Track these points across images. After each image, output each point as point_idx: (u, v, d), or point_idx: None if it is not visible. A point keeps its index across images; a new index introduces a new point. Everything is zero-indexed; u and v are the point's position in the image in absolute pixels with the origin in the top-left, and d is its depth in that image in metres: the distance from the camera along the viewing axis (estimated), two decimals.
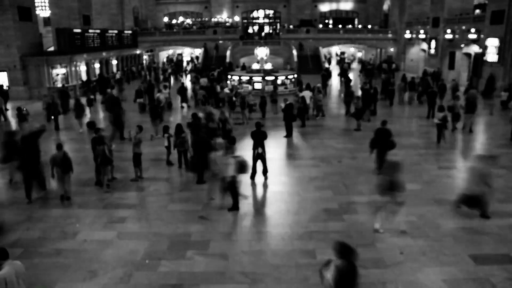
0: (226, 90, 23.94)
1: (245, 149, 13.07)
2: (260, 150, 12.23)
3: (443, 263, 7.82)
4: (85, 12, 36.10)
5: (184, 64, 48.81)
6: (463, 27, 32.72)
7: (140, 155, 12.41)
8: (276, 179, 12.47)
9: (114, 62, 38.60)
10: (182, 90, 23.72)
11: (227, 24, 53.46)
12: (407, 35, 44.08)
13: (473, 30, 31.04)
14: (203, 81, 25.52)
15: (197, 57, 48.68)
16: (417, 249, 8.31)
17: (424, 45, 40.85)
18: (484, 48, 29.13)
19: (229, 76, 27.66)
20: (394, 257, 8.06)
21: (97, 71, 34.93)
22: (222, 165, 10.05)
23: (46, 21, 40.94)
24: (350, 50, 55.82)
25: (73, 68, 30.56)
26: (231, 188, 10.04)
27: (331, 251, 8.20)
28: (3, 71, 28.36)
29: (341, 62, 50.04)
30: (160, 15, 57.21)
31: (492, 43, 28.13)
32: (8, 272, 5.53)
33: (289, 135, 17.33)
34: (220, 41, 47.01)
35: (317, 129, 18.87)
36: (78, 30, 32.37)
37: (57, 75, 29.77)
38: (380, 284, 7.21)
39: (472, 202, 9.64)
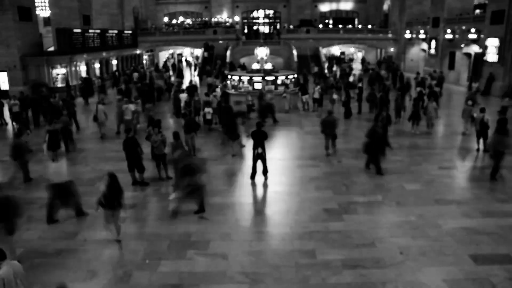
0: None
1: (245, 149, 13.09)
2: (260, 150, 12.22)
3: (443, 263, 7.82)
4: (85, 12, 36.04)
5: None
6: (463, 27, 32.72)
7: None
8: (276, 179, 12.46)
9: (114, 62, 38.58)
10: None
11: (227, 24, 53.44)
12: (407, 35, 44.05)
13: (473, 30, 31.04)
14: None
15: (197, 57, 48.51)
16: (417, 249, 8.31)
17: (424, 45, 40.84)
18: (484, 48, 29.11)
19: (229, 76, 27.66)
20: (394, 257, 8.06)
21: (97, 71, 34.90)
22: None
23: (46, 21, 40.85)
24: (351, 50, 55.78)
25: (73, 68, 30.53)
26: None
27: (331, 251, 8.27)
28: (3, 71, 28.32)
29: (340, 62, 49.94)
30: (160, 15, 57.14)
31: (492, 43, 28.11)
32: (6, 272, 5.53)
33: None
34: (220, 41, 46.97)
35: (317, 129, 18.85)
36: (78, 30, 32.31)
37: (57, 75, 29.74)
38: (380, 284, 7.21)
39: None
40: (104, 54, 36.12)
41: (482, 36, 29.89)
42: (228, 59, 41.76)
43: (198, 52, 48.67)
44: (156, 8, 56.88)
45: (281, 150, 15.79)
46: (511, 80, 26.55)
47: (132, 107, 17.74)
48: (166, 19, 57.53)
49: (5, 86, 28.32)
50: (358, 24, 55.46)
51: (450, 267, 7.70)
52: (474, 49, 31.40)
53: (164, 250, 8.45)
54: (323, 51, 47.06)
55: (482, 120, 14.76)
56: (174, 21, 57.03)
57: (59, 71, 29.76)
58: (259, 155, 12.26)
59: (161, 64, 50.34)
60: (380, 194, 11.23)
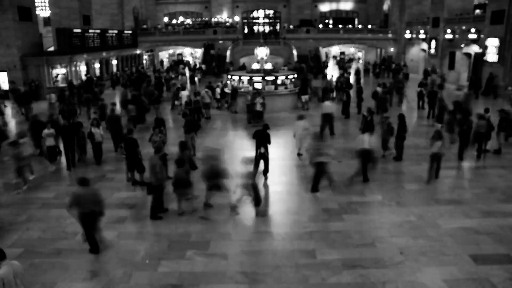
0: (226, 90, 24.05)
1: (246, 149, 13.09)
2: (262, 150, 12.22)
3: (443, 263, 7.82)
4: (85, 12, 36.09)
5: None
6: (463, 27, 32.72)
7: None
8: (276, 179, 12.46)
9: (114, 62, 38.61)
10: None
11: (227, 24, 53.45)
12: (407, 35, 44.04)
13: (473, 30, 31.04)
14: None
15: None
16: (417, 249, 8.31)
17: (424, 45, 40.84)
18: (484, 48, 29.13)
19: (229, 76, 27.65)
20: (394, 257, 8.06)
21: (97, 71, 34.96)
22: None
23: (46, 21, 40.91)
24: (351, 50, 55.78)
25: (73, 68, 30.55)
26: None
27: (331, 251, 8.27)
28: (3, 71, 28.37)
29: (340, 62, 49.97)
30: (160, 15, 57.14)
31: (492, 43, 28.13)
32: (6, 272, 5.53)
33: None
34: (220, 41, 46.97)
35: (317, 130, 18.85)
36: (78, 30, 32.36)
37: (57, 75, 29.76)
38: (380, 284, 7.21)
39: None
40: (104, 54, 36.16)
41: (482, 36, 29.89)
42: (228, 59, 41.80)
43: (198, 52, 48.77)
44: (156, 8, 56.88)
45: (281, 150, 15.77)
46: (511, 80, 26.54)
47: None
48: (166, 19, 57.53)
49: (5, 86, 28.39)
50: (358, 24, 55.47)
51: (450, 267, 7.70)
52: (474, 49, 31.39)
53: (164, 250, 8.45)
54: (323, 50, 47.13)
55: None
56: (174, 21, 57.00)
57: (59, 71, 29.79)
58: (262, 155, 12.25)
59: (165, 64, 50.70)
60: (380, 194, 11.23)
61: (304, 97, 22.98)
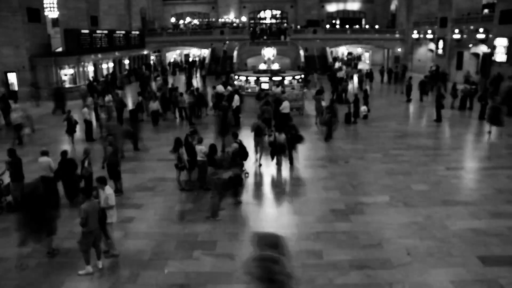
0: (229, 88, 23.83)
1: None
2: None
3: (450, 264, 7.78)
4: (93, 13, 36.30)
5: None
6: (471, 27, 32.49)
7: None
8: (283, 179, 12.46)
9: (127, 61, 38.94)
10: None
11: (234, 24, 53.47)
12: (415, 35, 43.80)
13: (481, 30, 30.82)
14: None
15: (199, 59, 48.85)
16: (424, 250, 8.28)
17: (432, 45, 40.64)
18: (493, 48, 28.92)
19: (236, 76, 27.66)
20: (401, 258, 8.03)
21: (105, 72, 35.16)
22: None
23: (55, 22, 41.27)
24: (358, 50, 55.57)
25: (80, 69, 30.76)
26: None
27: (338, 251, 8.26)
28: (12, 71, 28.61)
29: (347, 63, 49.78)
30: (168, 15, 57.34)
31: (501, 43, 27.90)
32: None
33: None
34: (227, 41, 46.98)
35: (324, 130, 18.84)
36: (86, 31, 32.55)
37: (65, 75, 29.96)
38: (387, 285, 7.19)
39: None
40: (112, 54, 36.38)
41: (490, 36, 29.67)
42: (235, 60, 41.80)
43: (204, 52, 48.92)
44: (163, 9, 57.07)
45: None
46: None
47: None
48: (173, 19, 57.71)
49: (14, 87, 28.63)
50: (365, 24, 55.29)
51: (457, 268, 7.66)
52: (483, 49, 31.18)
53: (171, 250, 8.48)
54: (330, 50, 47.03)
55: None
56: (181, 22, 57.13)
57: (67, 72, 30.00)
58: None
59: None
60: (387, 194, 11.19)
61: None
